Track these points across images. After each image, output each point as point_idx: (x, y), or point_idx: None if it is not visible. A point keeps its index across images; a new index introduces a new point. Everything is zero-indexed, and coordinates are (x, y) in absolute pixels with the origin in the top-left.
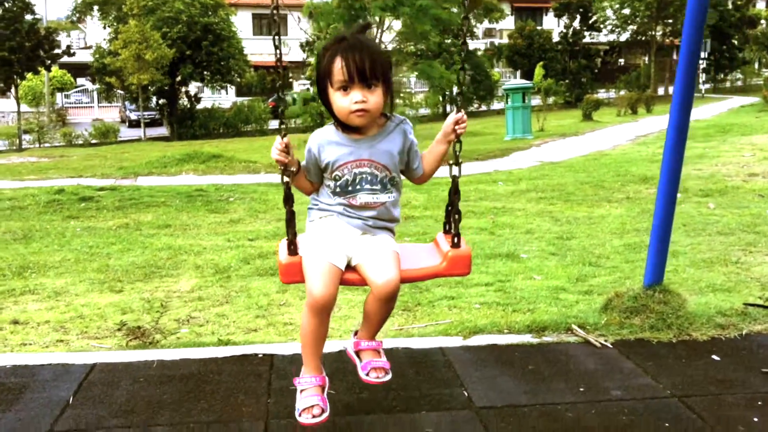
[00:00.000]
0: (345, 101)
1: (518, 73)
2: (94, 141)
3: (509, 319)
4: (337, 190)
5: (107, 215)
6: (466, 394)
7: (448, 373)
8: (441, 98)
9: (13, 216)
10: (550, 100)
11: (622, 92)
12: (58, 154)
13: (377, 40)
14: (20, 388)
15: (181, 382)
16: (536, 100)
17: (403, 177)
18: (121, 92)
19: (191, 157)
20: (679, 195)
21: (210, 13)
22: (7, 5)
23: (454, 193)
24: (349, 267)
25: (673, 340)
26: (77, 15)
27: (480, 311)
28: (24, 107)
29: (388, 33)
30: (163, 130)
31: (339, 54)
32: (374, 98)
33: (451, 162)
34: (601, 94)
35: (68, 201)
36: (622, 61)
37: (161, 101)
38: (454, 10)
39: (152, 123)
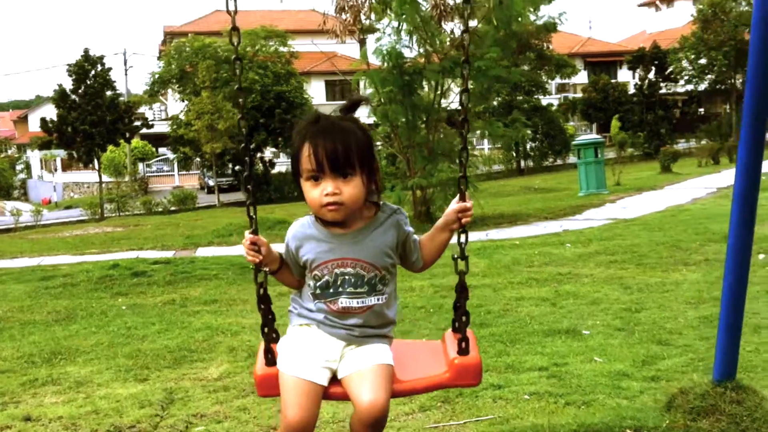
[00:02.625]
0: (315, 193)
1: (594, 126)
2: (172, 208)
3: (557, 420)
4: (317, 291)
5: (156, 291)
6: None
7: None
8: (514, 154)
9: (63, 294)
10: (627, 152)
11: (703, 142)
12: (134, 223)
13: (435, 105)
14: None
15: None
16: (613, 153)
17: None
18: (198, 160)
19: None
20: (761, 256)
21: (282, 82)
22: (89, 82)
23: (461, 291)
24: (335, 379)
25: None
26: (155, 90)
27: (528, 404)
28: (106, 177)
29: (445, 97)
30: (240, 195)
31: (307, 139)
32: (350, 189)
33: (456, 256)
34: (681, 145)
35: (120, 276)
36: (701, 110)
37: (236, 167)
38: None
39: (230, 188)
